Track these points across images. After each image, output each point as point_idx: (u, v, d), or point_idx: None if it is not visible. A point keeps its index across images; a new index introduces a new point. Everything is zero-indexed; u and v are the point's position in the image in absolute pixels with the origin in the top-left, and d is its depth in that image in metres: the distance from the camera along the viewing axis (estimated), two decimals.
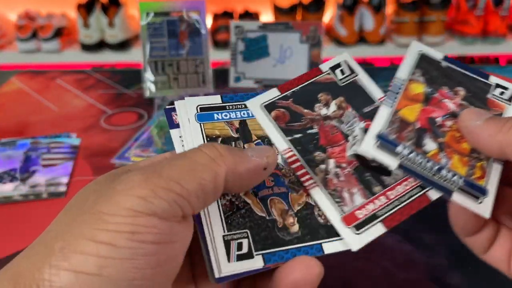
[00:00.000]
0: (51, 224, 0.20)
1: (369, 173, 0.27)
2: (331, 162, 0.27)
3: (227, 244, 0.23)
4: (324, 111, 0.29)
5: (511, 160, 0.24)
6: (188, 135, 0.26)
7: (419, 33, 1.58)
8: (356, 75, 0.30)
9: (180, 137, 0.26)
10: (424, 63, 0.30)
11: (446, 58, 0.30)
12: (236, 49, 0.63)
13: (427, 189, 0.26)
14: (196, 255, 0.25)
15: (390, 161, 0.26)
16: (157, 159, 0.25)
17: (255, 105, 0.28)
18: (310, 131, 0.28)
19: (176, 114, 0.27)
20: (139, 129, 0.60)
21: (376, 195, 0.26)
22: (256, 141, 0.27)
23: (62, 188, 0.48)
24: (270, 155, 0.23)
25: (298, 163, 0.26)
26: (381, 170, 0.27)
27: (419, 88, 0.32)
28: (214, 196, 0.21)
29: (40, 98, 0.70)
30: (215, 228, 0.23)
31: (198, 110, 0.27)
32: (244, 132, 0.27)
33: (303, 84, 0.29)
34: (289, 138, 0.27)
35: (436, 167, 0.27)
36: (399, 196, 0.26)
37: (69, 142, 0.57)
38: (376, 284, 0.37)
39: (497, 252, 0.26)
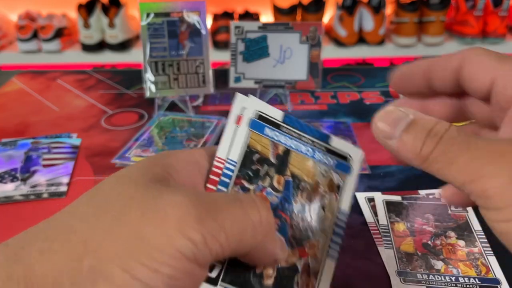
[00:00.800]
0: (73, 212, 0.19)
1: None
2: None
3: None
4: None
5: None
6: (230, 133, 0.25)
7: (418, 34, 1.58)
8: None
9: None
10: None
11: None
12: (236, 50, 0.63)
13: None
14: None
15: None
16: (191, 155, 0.24)
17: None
18: None
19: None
20: (140, 129, 0.60)
21: None
22: (287, 178, 0.25)
23: (63, 188, 0.48)
24: (286, 251, 0.23)
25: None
26: None
27: (402, 226, 0.41)
28: (240, 250, 0.21)
29: (41, 98, 0.71)
30: None
31: (256, 117, 0.25)
32: (282, 162, 0.25)
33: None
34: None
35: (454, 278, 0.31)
36: None
37: (70, 142, 0.57)
38: (376, 284, 0.37)
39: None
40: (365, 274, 0.38)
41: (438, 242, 0.39)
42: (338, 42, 1.59)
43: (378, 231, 0.41)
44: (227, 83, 0.65)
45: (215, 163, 0.24)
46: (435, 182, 0.50)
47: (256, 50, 0.63)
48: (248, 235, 0.20)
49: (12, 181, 0.49)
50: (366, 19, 1.56)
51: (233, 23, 0.62)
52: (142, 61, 0.62)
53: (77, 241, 0.18)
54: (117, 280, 0.17)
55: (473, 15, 1.54)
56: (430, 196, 0.45)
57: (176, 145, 0.56)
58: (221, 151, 0.24)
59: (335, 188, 0.26)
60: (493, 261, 0.38)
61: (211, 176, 0.24)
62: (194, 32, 0.62)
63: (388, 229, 0.41)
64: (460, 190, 0.20)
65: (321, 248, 0.25)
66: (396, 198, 0.45)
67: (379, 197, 0.45)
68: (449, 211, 0.43)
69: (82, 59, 1.58)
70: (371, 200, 0.45)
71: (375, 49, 1.58)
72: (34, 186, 0.49)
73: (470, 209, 0.43)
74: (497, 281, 0.36)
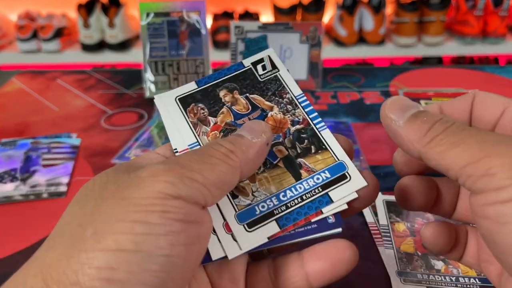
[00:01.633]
0: (64, 217, 0.20)
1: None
2: None
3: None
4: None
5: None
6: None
7: (418, 33, 1.58)
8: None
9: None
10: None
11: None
12: (236, 49, 0.63)
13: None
14: None
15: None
16: (153, 155, 0.26)
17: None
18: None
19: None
20: (140, 129, 0.60)
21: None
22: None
23: (63, 188, 0.48)
24: (266, 130, 0.24)
25: None
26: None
27: (402, 226, 0.40)
28: (231, 187, 0.23)
29: (41, 98, 0.71)
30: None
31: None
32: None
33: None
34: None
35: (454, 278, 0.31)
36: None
37: (70, 142, 0.57)
38: (376, 284, 0.37)
39: (468, 258, 0.27)
40: (365, 274, 0.37)
41: None
42: (338, 42, 1.59)
43: (378, 231, 0.41)
44: None
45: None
46: None
47: (256, 50, 0.63)
48: (225, 167, 0.22)
49: (11, 181, 0.49)
50: (366, 19, 1.56)
51: (233, 23, 0.62)
52: (142, 61, 0.62)
53: (74, 228, 0.19)
54: (120, 229, 0.18)
55: (473, 15, 1.54)
56: None
57: None
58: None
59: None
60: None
61: None
62: (194, 32, 0.62)
63: (388, 229, 0.41)
64: (451, 176, 0.20)
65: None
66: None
67: (379, 197, 0.45)
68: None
69: (81, 59, 1.58)
70: None
71: (375, 49, 1.58)
72: (33, 186, 0.48)
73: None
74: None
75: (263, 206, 0.25)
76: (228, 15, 1.60)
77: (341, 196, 0.25)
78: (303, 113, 0.27)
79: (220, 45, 1.54)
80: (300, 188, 0.25)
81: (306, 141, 0.27)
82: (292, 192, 0.25)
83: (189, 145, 0.26)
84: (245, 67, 0.29)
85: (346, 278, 0.37)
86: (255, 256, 0.27)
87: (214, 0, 1.60)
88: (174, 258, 0.19)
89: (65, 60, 1.58)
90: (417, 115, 0.22)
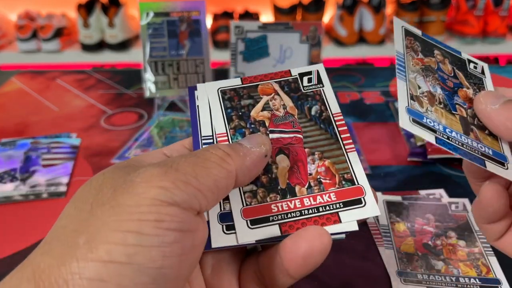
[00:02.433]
0: (61, 220, 0.20)
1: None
2: None
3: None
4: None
5: None
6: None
7: None
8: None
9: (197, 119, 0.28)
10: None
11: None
12: (236, 49, 0.63)
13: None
14: None
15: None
16: (157, 154, 0.25)
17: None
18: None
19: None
20: (139, 129, 0.60)
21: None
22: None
23: (62, 188, 0.48)
24: (265, 142, 0.24)
25: None
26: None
27: (402, 226, 0.41)
28: (226, 192, 0.22)
29: (41, 98, 0.71)
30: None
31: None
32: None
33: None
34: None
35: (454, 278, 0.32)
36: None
37: (69, 142, 0.57)
38: (376, 284, 0.37)
39: (508, 240, 0.27)
40: (365, 274, 0.37)
41: (438, 242, 0.39)
42: (338, 42, 1.59)
43: (378, 231, 0.41)
44: None
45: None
46: (435, 182, 0.50)
47: (256, 50, 0.63)
48: (220, 171, 0.21)
49: (11, 181, 0.49)
50: (366, 19, 1.56)
51: (233, 23, 0.62)
52: (141, 61, 0.61)
53: (69, 233, 0.19)
54: (112, 239, 0.18)
55: (473, 15, 1.54)
56: (431, 196, 0.45)
57: None
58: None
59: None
60: (493, 261, 0.37)
61: None
62: (194, 31, 0.62)
63: (389, 229, 0.41)
64: None
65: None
66: (397, 198, 0.45)
67: (380, 197, 0.45)
68: (450, 211, 0.43)
69: (81, 59, 1.58)
70: None
71: (375, 49, 1.58)
72: (33, 186, 0.48)
73: (470, 209, 0.43)
74: (497, 281, 0.36)
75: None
76: (228, 15, 1.60)
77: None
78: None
79: (220, 45, 1.54)
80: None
81: None
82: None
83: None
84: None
85: (346, 278, 0.37)
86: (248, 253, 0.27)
87: (214, 0, 1.60)
88: (166, 270, 0.18)
89: (65, 60, 1.58)
90: (509, 101, 0.26)
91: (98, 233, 0.18)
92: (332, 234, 0.23)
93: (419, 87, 0.29)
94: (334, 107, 0.28)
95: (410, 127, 0.25)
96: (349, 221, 0.24)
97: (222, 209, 0.25)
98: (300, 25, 0.62)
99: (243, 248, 0.26)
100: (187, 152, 0.26)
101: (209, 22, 1.61)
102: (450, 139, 0.26)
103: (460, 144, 0.26)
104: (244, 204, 0.25)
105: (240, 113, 0.28)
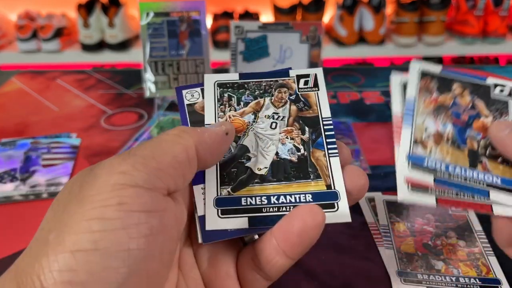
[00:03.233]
0: (41, 223, 0.21)
1: None
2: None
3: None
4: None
5: None
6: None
7: (418, 33, 1.58)
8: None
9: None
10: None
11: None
12: (236, 49, 0.63)
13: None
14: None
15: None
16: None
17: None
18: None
19: (187, 93, 0.29)
20: (139, 129, 0.60)
21: None
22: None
23: None
24: (226, 124, 0.25)
25: None
26: None
27: (402, 226, 0.41)
28: (190, 168, 0.22)
29: (41, 98, 0.71)
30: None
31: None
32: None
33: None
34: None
35: (454, 278, 0.33)
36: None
37: (69, 142, 0.57)
38: (376, 284, 0.37)
39: None
40: (365, 274, 0.37)
41: (438, 242, 0.39)
42: (338, 42, 1.59)
43: (378, 231, 0.41)
44: None
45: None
46: None
47: (256, 50, 0.63)
48: (177, 147, 0.21)
49: (11, 181, 0.49)
50: (366, 19, 1.56)
51: (233, 23, 0.62)
52: (141, 61, 0.61)
53: (44, 233, 0.20)
54: (77, 229, 0.18)
55: (473, 15, 1.54)
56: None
57: None
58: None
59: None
60: (493, 261, 0.37)
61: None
62: (194, 32, 0.62)
63: (389, 229, 0.41)
64: None
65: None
66: (397, 198, 0.45)
67: (380, 197, 0.45)
68: (450, 211, 0.43)
69: (81, 59, 1.58)
70: (371, 200, 0.45)
71: (376, 49, 1.58)
72: (33, 186, 0.48)
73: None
74: (497, 281, 0.36)
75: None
76: (228, 15, 1.60)
77: None
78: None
79: (220, 45, 1.54)
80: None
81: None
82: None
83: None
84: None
85: (346, 278, 0.37)
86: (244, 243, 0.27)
87: (214, 0, 1.60)
88: (134, 252, 0.18)
89: (65, 60, 1.58)
90: None
91: (65, 227, 0.19)
92: None
93: (426, 130, 0.29)
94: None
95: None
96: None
97: (219, 194, 0.25)
98: (300, 25, 0.62)
99: (239, 240, 0.26)
100: None
101: (209, 22, 1.61)
102: (452, 176, 0.27)
103: (463, 179, 0.27)
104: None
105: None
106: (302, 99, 0.29)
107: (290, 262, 0.23)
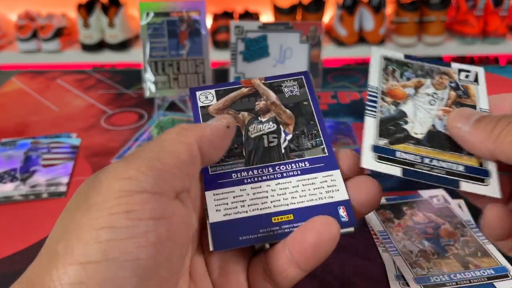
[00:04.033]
0: (51, 231, 0.20)
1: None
2: None
3: None
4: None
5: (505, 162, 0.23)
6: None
7: (418, 33, 1.58)
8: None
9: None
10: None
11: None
12: (236, 49, 0.63)
13: None
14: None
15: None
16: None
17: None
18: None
19: (201, 95, 0.29)
20: (139, 129, 0.60)
21: None
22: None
23: (63, 188, 0.48)
24: (227, 117, 0.25)
25: None
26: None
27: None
28: (194, 166, 0.22)
29: (41, 98, 0.71)
30: None
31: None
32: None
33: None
34: None
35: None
36: None
37: (70, 142, 0.57)
38: (376, 284, 0.37)
39: None
40: (365, 273, 0.37)
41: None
42: (339, 42, 1.59)
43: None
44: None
45: None
46: None
47: (256, 50, 0.63)
48: (179, 146, 0.21)
49: (11, 181, 0.49)
50: (366, 19, 1.56)
51: (233, 23, 0.62)
52: (142, 61, 0.61)
53: (53, 242, 0.19)
54: (86, 239, 0.18)
55: (473, 15, 1.54)
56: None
57: None
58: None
59: None
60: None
61: None
62: (194, 32, 0.62)
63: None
64: None
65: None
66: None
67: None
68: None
69: (81, 59, 1.58)
70: None
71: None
72: (33, 186, 0.48)
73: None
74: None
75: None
76: (228, 15, 1.60)
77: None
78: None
79: (220, 45, 1.54)
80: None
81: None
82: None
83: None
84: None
85: (346, 278, 0.37)
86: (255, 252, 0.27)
87: (214, 0, 1.60)
88: (143, 261, 0.18)
89: (65, 60, 1.58)
90: (480, 119, 0.24)
91: (74, 237, 0.18)
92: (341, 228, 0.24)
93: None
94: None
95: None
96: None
97: (376, 143, 0.27)
98: (300, 25, 0.62)
99: (250, 248, 0.26)
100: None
101: (209, 22, 1.61)
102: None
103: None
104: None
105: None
106: (461, 88, 0.30)
107: (302, 274, 0.23)
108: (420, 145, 0.27)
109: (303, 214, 0.25)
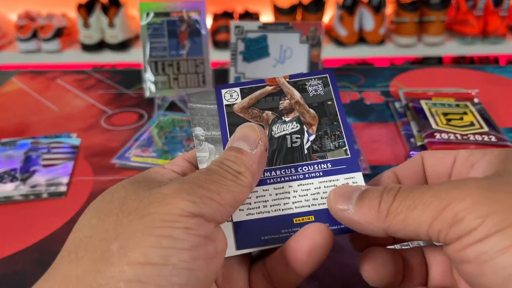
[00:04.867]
0: (82, 230, 0.21)
1: None
2: None
3: None
4: None
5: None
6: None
7: (418, 33, 1.58)
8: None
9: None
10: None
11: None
12: (236, 49, 0.63)
13: None
14: None
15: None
16: (163, 170, 0.27)
17: None
18: None
19: (226, 93, 0.30)
20: (140, 129, 0.60)
21: None
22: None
23: (63, 188, 0.48)
24: (261, 136, 0.25)
25: None
26: None
27: None
28: (242, 204, 0.24)
29: (41, 98, 0.71)
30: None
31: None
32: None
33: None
34: None
35: None
36: None
37: (70, 142, 0.57)
38: None
39: (437, 282, 0.26)
40: None
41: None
42: (338, 42, 1.59)
43: None
44: (227, 83, 0.64)
45: None
46: None
47: (256, 50, 0.63)
48: (238, 188, 0.23)
49: (11, 181, 0.49)
50: (366, 19, 1.56)
51: (233, 23, 0.62)
52: (142, 61, 0.61)
53: (97, 242, 0.20)
54: (147, 243, 0.19)
55: (473, 15, 1.54)
56: None
57: (176, 145, 0.56)
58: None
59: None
60: None
61: None
62: (194, 32, 0.62)
63: None
64: (423, 237, 0.20)
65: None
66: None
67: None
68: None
69: (81, 59, 1.58)
70: None
71: (375, 49, 1.58)
72: (33, 186, 0.48)
73: None
74: None
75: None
76: (228, 15, 1.60)
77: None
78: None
79: (220, 45, 1.54)
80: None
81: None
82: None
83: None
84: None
85: (346, 278, 0.37)
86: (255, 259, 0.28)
87: (214, 0, 1.60)
88: (196, 272, 0.20)
89: (65, 60, 1.58)
90: (362, 196, 0.23)
91: (131, 239, 0.19)
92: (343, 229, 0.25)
93: None
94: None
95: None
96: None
97: None
98: (300, 25, 0.62)
99: (248, 255, 0.27)
100: (188, 165, 0.28)
101: (209, 22, 1.61)
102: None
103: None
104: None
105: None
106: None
107: (301, 279, 0.24)
108: None
109: (324, 215, 0.25)
